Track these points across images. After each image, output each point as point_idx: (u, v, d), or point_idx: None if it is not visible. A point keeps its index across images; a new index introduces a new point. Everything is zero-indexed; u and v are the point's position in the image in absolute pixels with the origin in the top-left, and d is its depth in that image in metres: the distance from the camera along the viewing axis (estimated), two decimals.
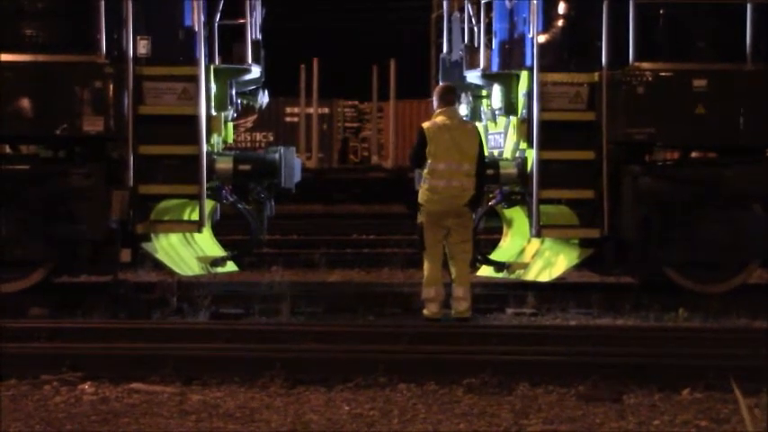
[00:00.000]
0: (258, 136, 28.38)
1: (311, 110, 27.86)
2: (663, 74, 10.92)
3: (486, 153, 10.63)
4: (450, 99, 10.16)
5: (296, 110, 28.16)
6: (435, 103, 10.20)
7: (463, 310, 9.93)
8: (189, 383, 7.55)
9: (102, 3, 10.46)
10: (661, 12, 11.08)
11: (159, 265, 11.42)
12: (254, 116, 26.95)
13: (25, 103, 10.54)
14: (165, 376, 7.60)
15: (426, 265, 9.94)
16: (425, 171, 9.88)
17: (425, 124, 10.05)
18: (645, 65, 10.86)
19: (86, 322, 9.72)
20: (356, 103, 29.70)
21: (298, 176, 11.45)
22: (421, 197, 9.94)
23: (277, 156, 11.12)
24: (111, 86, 10.56)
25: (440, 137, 9.84)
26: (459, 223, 9.89)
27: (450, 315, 9.98)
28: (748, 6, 10.83)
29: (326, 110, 28.68)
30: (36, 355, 7.97)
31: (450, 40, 12.48)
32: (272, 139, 27.97)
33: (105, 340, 8.63)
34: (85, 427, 6.60)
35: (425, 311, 9.99)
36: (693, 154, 11.72)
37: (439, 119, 9.98)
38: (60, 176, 10.53)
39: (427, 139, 9.85)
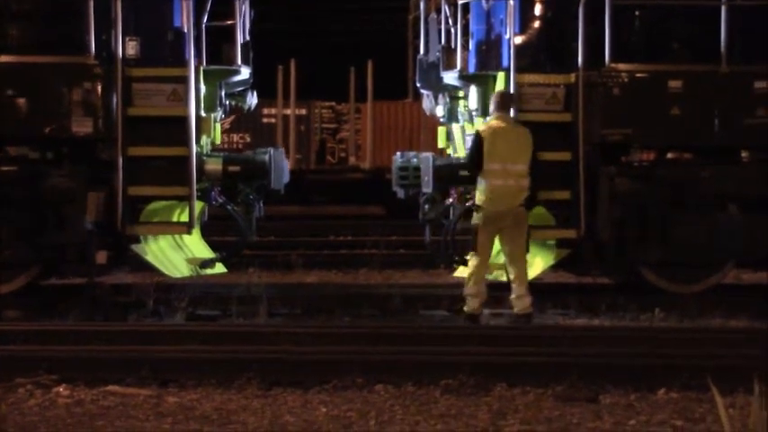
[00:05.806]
0: (235, 137, 28.30)
1: (288, 111, 27.81)
2: (639, 75, 10.97)
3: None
4: (503, 104, 10.29)
5: (273, 111, 28.09)
6: (491, 108, 10.34)
7: (526, 307, 10.08)
8: (165, 386, 7.52)
9: (91, 4, 10.43)
10: (637, 13, 11.15)
11: (145, 267, 11.34)
12: (232, 117, 26.89)
13: (13, 103, 10.49)
14: (141, 378, 7.57)
15: (473, 263, 10.07)
16: (482, 173, 9.98)
17: (480, 127, 10.35)
18: (621, 66, 10.90)
19: (62, 325, 9.67)
20: (333, 104, 29.64)
21: (286, 177, 11.45)
22: (478, 198, 10.05)
23: (267, 157, 11.12)
24: (100, 87, 10.54)
25: (495, 139, 10.02)
26: (516, 223, 10.01)
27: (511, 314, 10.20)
28: (723, 8, 10.89)
29: (304, 111, 28.62)
30: (11, 357, 7.91)
31: (427, 42, 12.48)
32: (249, 140, 27.88)
33: (81, 343, 8.58)
34: (60, 431, 6.56)
35: (466, 308, 10.14)
36: (669, 155, 11.76)
37: (493, 122, 10.20)
38: (41, 178, 10.47)
39: (483, 141, 10.00)
